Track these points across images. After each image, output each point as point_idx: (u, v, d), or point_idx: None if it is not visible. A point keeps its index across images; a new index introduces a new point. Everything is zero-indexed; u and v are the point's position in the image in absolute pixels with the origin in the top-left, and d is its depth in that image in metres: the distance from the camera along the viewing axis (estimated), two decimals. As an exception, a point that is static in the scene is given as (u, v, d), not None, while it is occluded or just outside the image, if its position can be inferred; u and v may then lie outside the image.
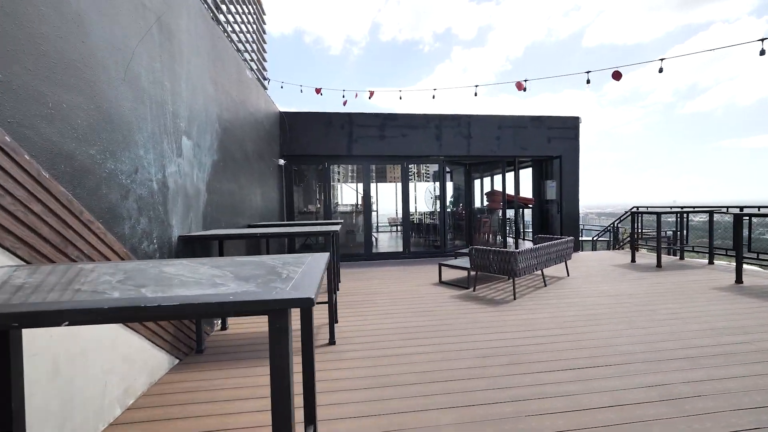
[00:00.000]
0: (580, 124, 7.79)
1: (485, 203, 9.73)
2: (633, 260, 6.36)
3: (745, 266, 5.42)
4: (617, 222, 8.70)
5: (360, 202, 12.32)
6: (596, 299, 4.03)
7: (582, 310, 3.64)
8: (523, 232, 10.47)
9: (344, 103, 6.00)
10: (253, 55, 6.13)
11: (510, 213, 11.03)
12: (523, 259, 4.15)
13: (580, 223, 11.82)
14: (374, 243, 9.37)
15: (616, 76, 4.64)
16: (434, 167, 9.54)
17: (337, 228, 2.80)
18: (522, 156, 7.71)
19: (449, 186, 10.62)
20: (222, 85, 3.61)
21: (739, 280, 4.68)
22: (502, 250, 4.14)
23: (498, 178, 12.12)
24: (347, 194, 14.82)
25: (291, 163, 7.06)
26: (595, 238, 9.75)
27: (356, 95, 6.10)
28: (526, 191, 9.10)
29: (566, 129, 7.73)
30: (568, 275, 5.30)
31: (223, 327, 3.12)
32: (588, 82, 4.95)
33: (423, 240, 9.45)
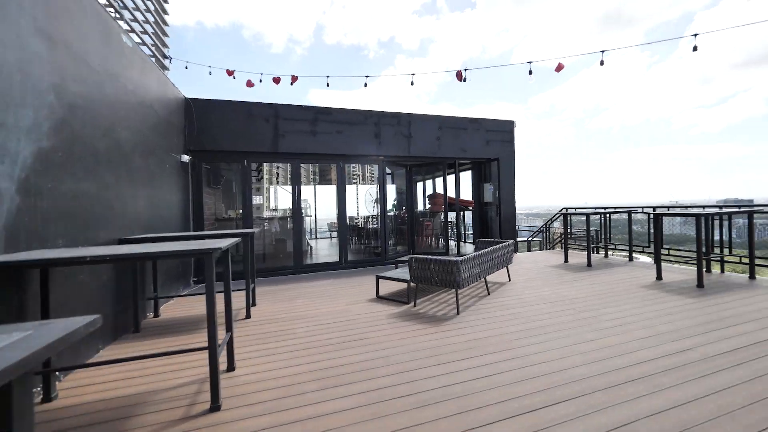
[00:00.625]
0: (515, 128, 7.87)
1: (428, 206, 9.48)
2: (566, 260, 6.47)
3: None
4: (549, 223, 9.02)
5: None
6: (540, 307, 3.77)
7: (527, 323, 3.31)
8: (465, 235, 10.45)
9: (249, 84, 5.08)
10: (146, 26, 4.97)
11: (452, 216, 10.95)
12: (466, 269, 3.73)
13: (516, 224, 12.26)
14: (309, 252, 8.52)
15: (559, 68, 4.64)
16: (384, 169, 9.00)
17: (220, 246, 2.01)
18: (462, 158, 7.53)
19: (392, 189, 10.22)
20: (67, 44, 2.58)
21: (659, 276, 4.84)
22: (443, 260, 3.68)
23: (440, 180, 12.06)
24: (283, 197, 13.62)
25: (201, 160, 5.94)
26: (529, 239, 10.06)
27: (277, 80, 5.21)
28: (467, 194, 9.03)
29: (503, 132, 7.75)
30: (510, 280, 5.09)
31: (48, 398, 2.10)
32: (530, 72, 4.85)
33: (364, 247, 8.85)
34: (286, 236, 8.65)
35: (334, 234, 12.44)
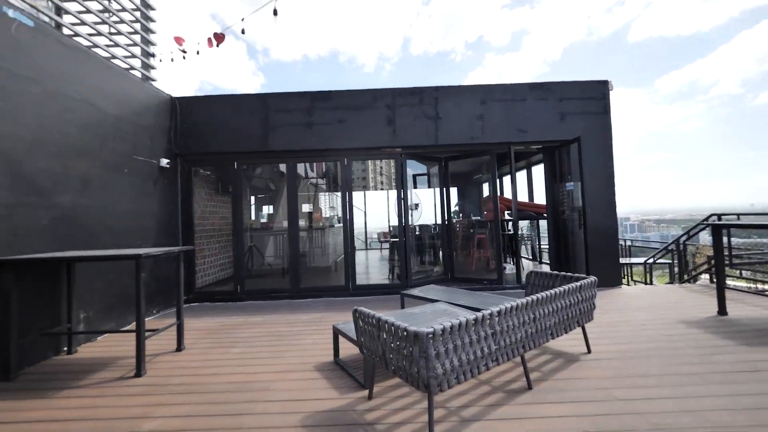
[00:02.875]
0: (611, 92, 5.13)
1: (485, 213, 7.20)
2: (722, 311, 3.55)
3: None
4: (684, 238, 5.74)
5: (328, 215, 10.17)
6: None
7: None
8: (540, 252, 7.72)
9: (218, 38, 3.87)
10: (123, 27, 4.39)
11: (523, 225, 8.33)
12: (451, 350, 1.71)
13: (623, 238, 8.78)
14: (333, 269, 7.12)
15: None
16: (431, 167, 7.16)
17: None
18: (520, 143, 5.17)
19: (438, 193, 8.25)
20: None
21: None
22: (399, 327, 1.75)
23: (507, 179, 9.49)
24: (328, 204, 12.68)
25: (192, 164, 5.15)
26: (650, 261, 6.75)
27: (220, 38, 3.87)
28: (542, 195, 6.48)
29: (588, 99, 5.10)
30: (589, 351, 2.70)
31: None
32: None
33: (397, 266, 7.04)
34: (309, 251, 7.47)
35: (385, 246, 10.88)
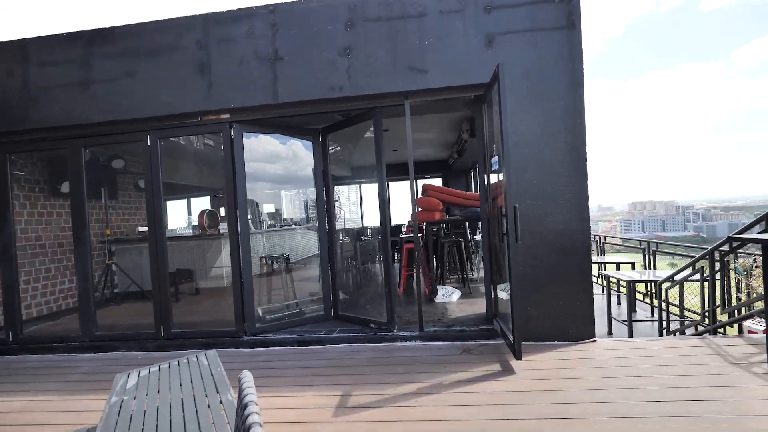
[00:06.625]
0: (581, -12, 2.83)
1: (418, 212, 5.10)
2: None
3: None
4: (727, 250, 3.32)
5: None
6: None
7: None
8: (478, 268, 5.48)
9: None
10: None
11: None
12: None
13: (645, 238, 6.29)
14: (227, 297, 5.31)
15: None
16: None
17: None
18: (418, 92, 3.03)
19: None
20: None
21: None
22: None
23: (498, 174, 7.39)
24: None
25: None
26: (673, 278, 4.29)
27: None
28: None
29: (537, 5, 2.85)
30: None
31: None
32: None
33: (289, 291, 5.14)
34: (200, 266, 5.72)
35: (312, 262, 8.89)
